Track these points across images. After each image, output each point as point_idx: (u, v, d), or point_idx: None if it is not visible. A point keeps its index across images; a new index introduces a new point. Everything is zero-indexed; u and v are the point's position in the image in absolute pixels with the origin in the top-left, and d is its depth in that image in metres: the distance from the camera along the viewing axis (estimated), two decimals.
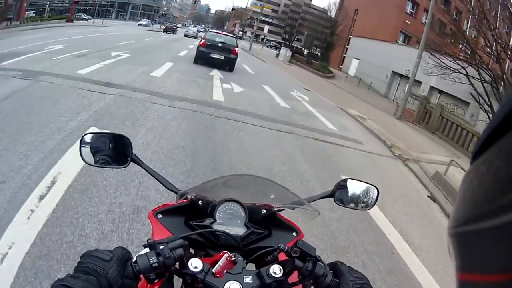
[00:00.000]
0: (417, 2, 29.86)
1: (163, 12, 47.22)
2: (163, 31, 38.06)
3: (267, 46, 50.52)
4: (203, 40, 13.06)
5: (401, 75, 23.92)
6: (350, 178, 1.11)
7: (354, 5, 29.06)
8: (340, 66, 33.37)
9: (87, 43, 12.79)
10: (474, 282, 0.23)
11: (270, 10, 43.95)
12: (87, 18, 49.43)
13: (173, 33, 38.21)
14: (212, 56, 12.55)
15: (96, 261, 0.63)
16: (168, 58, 12.64)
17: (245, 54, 28.63)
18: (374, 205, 1.11)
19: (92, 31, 21.34)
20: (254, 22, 61.39)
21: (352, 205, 1.09)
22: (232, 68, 13.21)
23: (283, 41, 78.41)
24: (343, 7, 28.16)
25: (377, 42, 27.66)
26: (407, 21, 29.49)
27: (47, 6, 48.78)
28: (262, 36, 49.75)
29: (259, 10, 36.40)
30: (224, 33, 15.71)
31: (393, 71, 24.46)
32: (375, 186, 1.10)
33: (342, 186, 1.09)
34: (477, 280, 0.22)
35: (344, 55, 33.14)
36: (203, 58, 12.84)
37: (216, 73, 11.65)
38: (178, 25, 69.88)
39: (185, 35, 37.46)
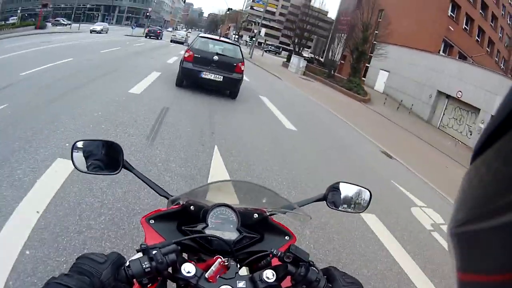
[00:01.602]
0: (458, 4, 24.15)
1: (147, 14, 40.92)
2: (145, 36, 32.11)
3: (266, 51, 44.54)
4: (189, 52, 8.06)
5: (448, 96, 18.71)
6: (343, 182, 1.08)
7: (378, 5, 23.26)
8: (363, 79, 27.78)
9: None
10: (474, 282, 0.23)
11: (275, 9, 38.91)
12: (65, 23, 43.69)
13: (157, 38, 32.11)
14: (203, 76, 7.87)
15: (90, 263, 0.64)
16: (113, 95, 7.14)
17: (247, 63, 22.93)
18: (367, 207, 1.08)
19: (45, 42, 15.59)
20: (252, 24, 55.87)
21: (345, 207, 1.07)
22: (236, 94, 8.60)
23: (281, 46, 74.07)
24: (375, 4, 22.17)
25: (414, 52, 22.33)
26: (450, 26, 23.78)
27: (19, 11, 42.62)
28: (262, 41, 43.42)
29: (261, 9, 30.44)
30: (222, 39, 10.00)
31: (438, 91, 19.30)
32: (367, 189, 1.08)
33: (334, 188, 1.07)
34: (477, 280, 0.22)
35: (367, 65, 27.29)
36: (189, 79, 8.25)
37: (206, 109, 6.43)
38: (168, 29, 63.63)
39: (172, 41, 31.32)
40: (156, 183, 1.03)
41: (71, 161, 0.98)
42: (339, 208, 1.06)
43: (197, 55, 7.81)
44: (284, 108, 9.00)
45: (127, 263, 0.66)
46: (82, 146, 1.01)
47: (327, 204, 1.06)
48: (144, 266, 0.65)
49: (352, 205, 1.07)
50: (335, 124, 9.87)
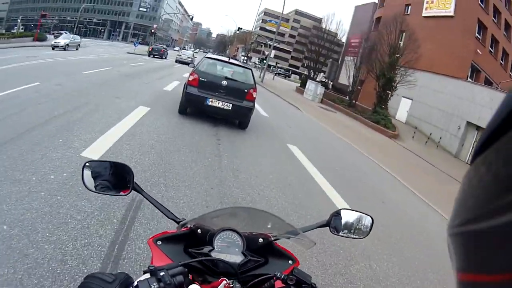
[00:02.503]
0: (485, 25, 21.80)
1: (152, 30, 38.87)
2: (148, 55, 29.56)
3: (276, 74, 42.14)
4: (194, 75, 7.01)
5: (478, 127, 16.51)
6: (344, 209, 1.11)
7: (405, 26, 20.75)
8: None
9: None
10: (474, 282, 0.23)
11: (288, 29, 36.76)
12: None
13: (162, 58, 29.47)
14: (209, 104, 6.93)
15: (99, 283, 0.65)
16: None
17: (259, 89, 20.33)
18: (369, 233, 1.10)
19: (31, 57, 13.15)
20: (262, 46, 53.99)
21: (346, 232, 1.09)
22: (246, 124, 7.54)
23: (291, 69, 72.03)
24: (403, 25, 19.56)
25: (440, 78, 19.82)
26: (478, 50, 21.30)
27: (19, 21, 40.66)
28: (273, 63, 41.00)
29: (273, 29, 28.12)
30: (231, 61, 8.24)
31: (467, 121, 17.10)
32: (369, 215, 1.09)
33: (337, 214, 1.09)
34: (477, 280, 0.22)
35: (387, 91, 24.83)
36: (194, 106, 7.29)
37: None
38: (175, 48, 61.72)
39: (177, 61, 28.61)
40: (165, 206, 1.05)
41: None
42: (340, 234, 1.08)
43: (203, 79, 6.88)
44: (324, 166, 6.12)
45: (135, 283, 0.66)
46: (92, 166, 1.03)
47: (330, 230, 1.08)
48: (153, 287, 0.65)
49: (354, 231, 1.09)
50: (379, 178, 7.15)
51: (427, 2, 24.99)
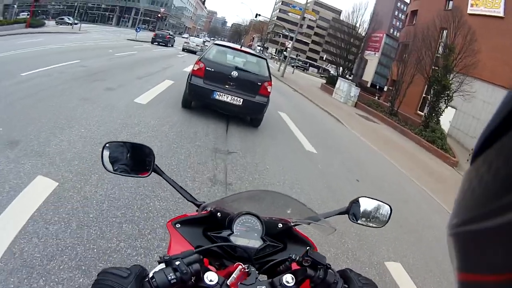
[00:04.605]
0: None
1: (159, 15, 35.04)
2: (151, 42, 25.52)
3: (293, 67, 37.38)
4: (200, 64, 5.92)
5: None
6: (364, 196, 1.07)
7: (463, 22, 16.42)
8: (419, 112, 21.01)
9: None
10: (474, 282, 0.22)
11: (317, 18, 32.38)
12: (70, 22, 38.56)
13: (167, 45, 25.41)
14: (217, 97, 5.88)
15: (114, 278, 0.63)
16: None
17: (280, 86, 16.44)
18: (387, 222, 1.07)
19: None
20: (280, 36, 49.58)
21: (364, 220, 1.06)
22: (259, 121, 6.49)
23: (309, 61, 67.14)
24: (461, 20, 15.27)
25: (490, 87, 15.99)
26: None
27: (15, 6, 37.30)
28: (293, 56, 36.42)
29: (298, 15, 23.97)
30: (244, 49, 6.98)
31: None
32: (388, 204, 1.06)
33: (356, 202, 1.07)
34: (477, 280, 0.22)
35: (425, 95, 20.65)
36: (198, 99, 6.24)
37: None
38: (183, 35, 56.87)
39: (184, 50, 24.52)
40: (185, 189, 1.02)
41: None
42: (358, 222, 1.06)
43: (209, 69, 5.93)
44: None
45: (151, 275, 0.65)
46: (112, 147, 1.00)
47: (349, 217, 1.05)
48: (170, 277, 0.63)
49: (372, 219, 1.07)
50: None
51: None
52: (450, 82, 14.60)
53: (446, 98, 14.83)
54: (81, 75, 7.51)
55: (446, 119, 18.58)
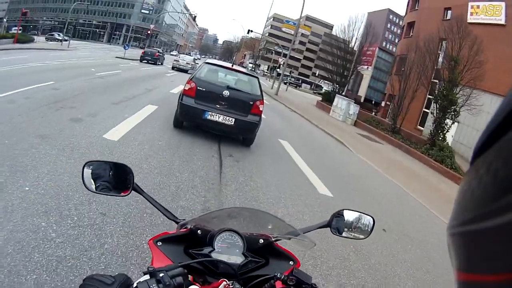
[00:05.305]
0: None
1: (148, 32, 34.31)
2: (140, 60, 24.52)
3: (286, 84, 36.62)
4: (191, 83, 5.93)
5: None
6: (347, 209, 1.06)
7: (467, 32, 15.81)
8: (419, 128, 20.26)
9: None
10: (474, 282, 0.22)
11: (309, 33, 32.20)
12: (60, 38, 37.68)
13: (156, 63, 24.59)
14: (208, 118, 5.84)
15: (98, 285, 0.63)
16: None
17: (273, 104, 15.48)
18: (370, 233, 1.07)
19: None
20: (272, 53, 49.19)
21: (347, 232, 1.06)
22: (251, 141, 6.45)
23: (301, 77, 66.76)
24: (466, 30, 14.61)
25: (494, 98, 14.94)
26: None
27: (5, 20, 36.16)
28: (287, 72, 35.67)
29: (292, 31, 23.40)
30: (235, 67, 6.95)
31: None
32: (370, 216, 1.05)
33: (338, 215, 1.06)
34: (477, 280, 0.22)
35: (425, 109, 20.03)
36: (190, 120, 6.20)
37: None
38: (172, 52, 55.81)
39: (173, 68, 23.65)
40: (165, 207, 1.01)
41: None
42: (342, 234, 1.05)
43: (201, 88, 5.90)
44: None
45: (135, 285, 0.65)
46: (92, 166, 0.98)
47: (331, 231, 1.04)
48: None
49: (355, 231, 1.06)
50: None
51: (472, 7, 20.26)
52: (457, 96, 13.78)
53: (453, 113, 13.96)
54: (48, 101, 6.36)
55: (449, 133, 17.83)
